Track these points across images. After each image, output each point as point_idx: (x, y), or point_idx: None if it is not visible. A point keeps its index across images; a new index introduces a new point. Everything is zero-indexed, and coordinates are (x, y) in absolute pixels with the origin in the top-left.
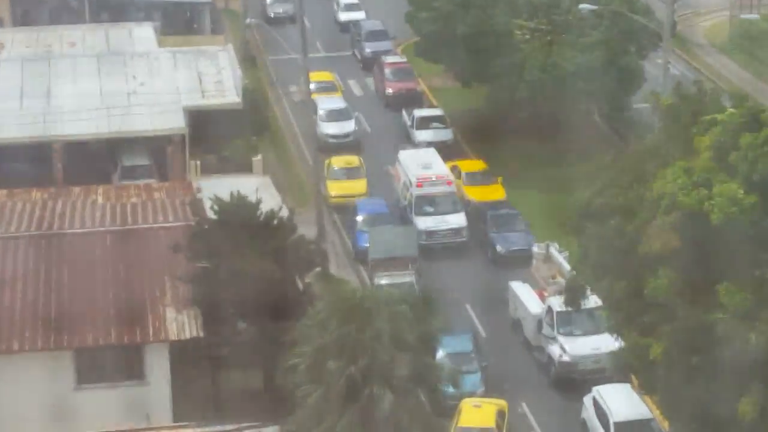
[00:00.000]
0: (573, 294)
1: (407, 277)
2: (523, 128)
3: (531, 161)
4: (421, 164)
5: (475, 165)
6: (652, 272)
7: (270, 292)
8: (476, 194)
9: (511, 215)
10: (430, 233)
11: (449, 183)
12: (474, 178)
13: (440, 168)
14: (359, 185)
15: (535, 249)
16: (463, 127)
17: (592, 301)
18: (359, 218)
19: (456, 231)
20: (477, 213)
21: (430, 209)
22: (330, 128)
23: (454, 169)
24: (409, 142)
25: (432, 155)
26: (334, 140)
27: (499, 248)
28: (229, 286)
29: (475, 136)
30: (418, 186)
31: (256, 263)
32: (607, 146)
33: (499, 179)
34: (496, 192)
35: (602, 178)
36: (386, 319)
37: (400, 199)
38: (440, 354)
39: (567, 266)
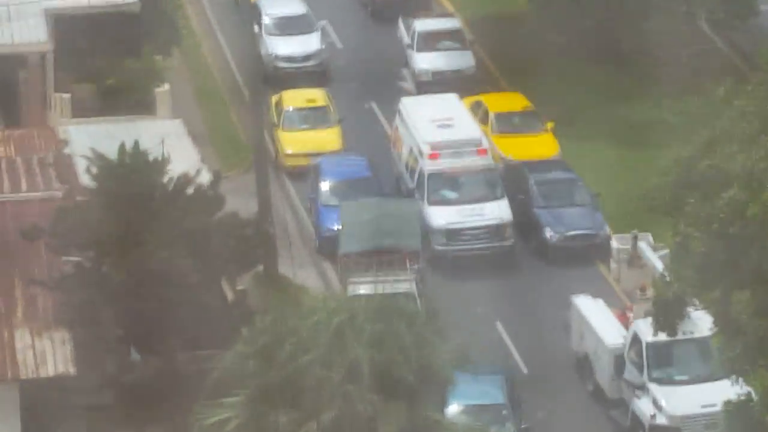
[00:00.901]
0: (666, 312)
1: (403, 284)
2: (587, 46)
3: (599, 97)
4: (436, 120)
5: (511, 101)
6: None
7: (181, 303)
8: (512, 148)
9: (567, 181)
10: (453, 234)
11: (483, 151)
12: (509, 123)
13: (467, 126)
14: (329, 137)
15: (615, 243)
16: (491, 46)
17: (705, 326)
18: (324, 186)
19: (495, 230)
20: (514, 178)
21: (451, 195)
22: (281, 46)
23: (476, 107)
24: (408, 70)
25: (453, 104)
26: (287, 65)
27: (549, 233)
28: (117, 295)
29: (510, 59)
30: (431, 157)
31: (159, 258)
32: (721, 72)
33: (549, 125)
34: (544, 145)
35: (712, 125)
36: (368, 348)
37: (404, 178)
38: (454, 406)
39: None
